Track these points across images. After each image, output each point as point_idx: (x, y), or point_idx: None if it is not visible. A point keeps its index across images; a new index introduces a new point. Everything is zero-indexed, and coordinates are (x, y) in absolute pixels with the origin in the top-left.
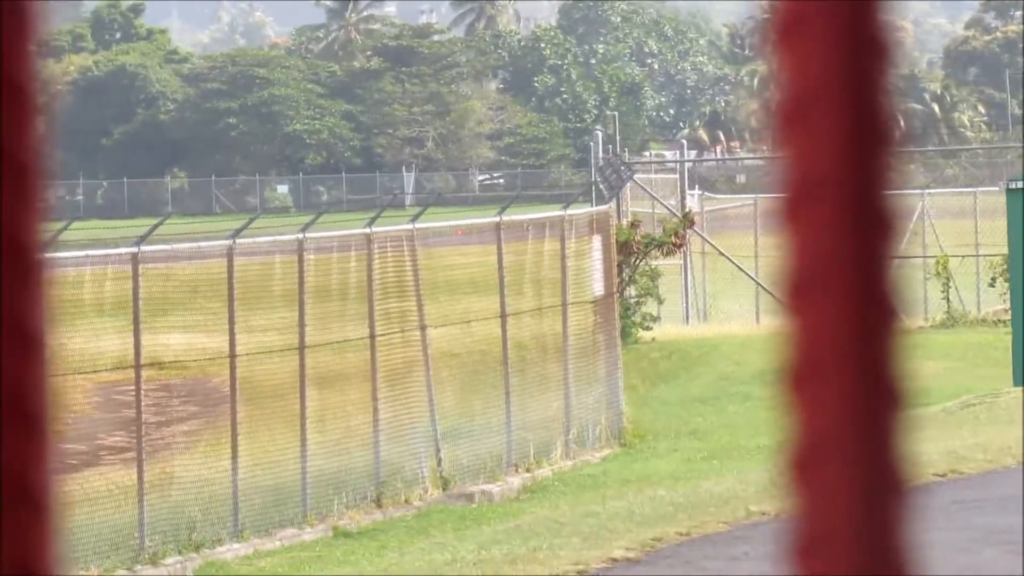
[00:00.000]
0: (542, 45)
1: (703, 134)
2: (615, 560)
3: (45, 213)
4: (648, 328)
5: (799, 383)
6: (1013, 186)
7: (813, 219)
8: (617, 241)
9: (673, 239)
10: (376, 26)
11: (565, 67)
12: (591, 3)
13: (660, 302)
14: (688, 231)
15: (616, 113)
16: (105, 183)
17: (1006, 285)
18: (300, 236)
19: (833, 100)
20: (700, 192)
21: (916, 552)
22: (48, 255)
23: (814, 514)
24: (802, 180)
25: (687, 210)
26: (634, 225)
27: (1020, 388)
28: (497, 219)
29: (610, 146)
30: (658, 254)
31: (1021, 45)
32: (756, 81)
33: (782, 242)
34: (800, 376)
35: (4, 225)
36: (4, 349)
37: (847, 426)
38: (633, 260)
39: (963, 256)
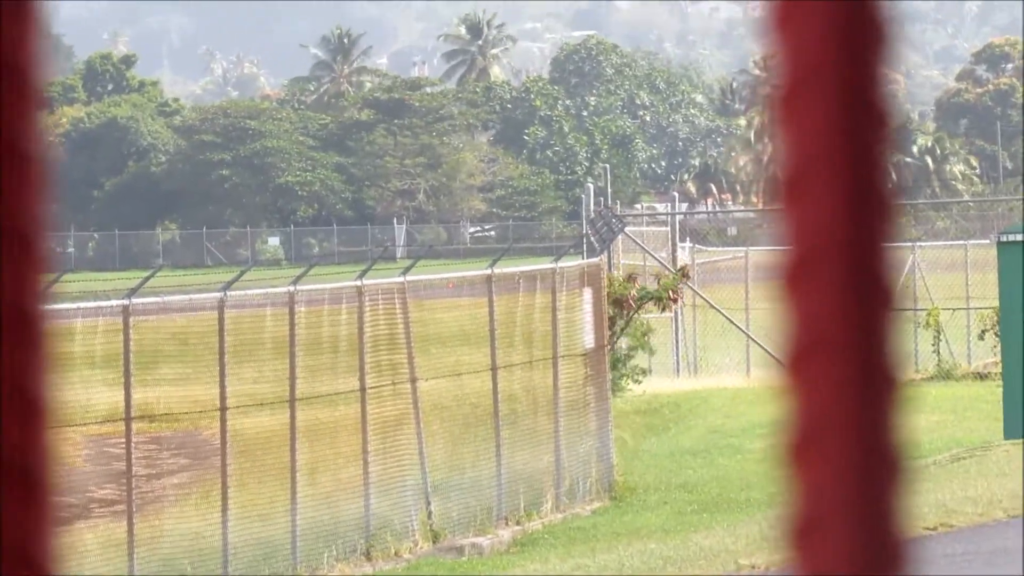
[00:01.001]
0: (533, 97)
1: (692, 187)
2: None
3: (45, 271)
4: (638, 381)
5: (800, 450)
6: (1004, 239)
7: (814, 287)
8: (612, 295)
9: (669, 294)
10: (368, 78)
11: (556, 119)
12: (583, 55)
13: (652, 354)
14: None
15: (607, 165)
16: (96, 235)
17: (996, 338)
18: (291, 288)
19: (834, 168)
20: (691, 244)
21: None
22: (48, 313)
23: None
24: (804, 248)
25: (683, 264)
26: (630, 279)
27: (1010, 441)
28: (488, 271)
29: (601, 198)
30: (653, 308)
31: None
32: (752, 133)
33: (782, 310)
34: (801, 443)
35: (5, 286)
36: (4, 413)
37: (850, 491)
38: (627, 313)
39: (954, 309)
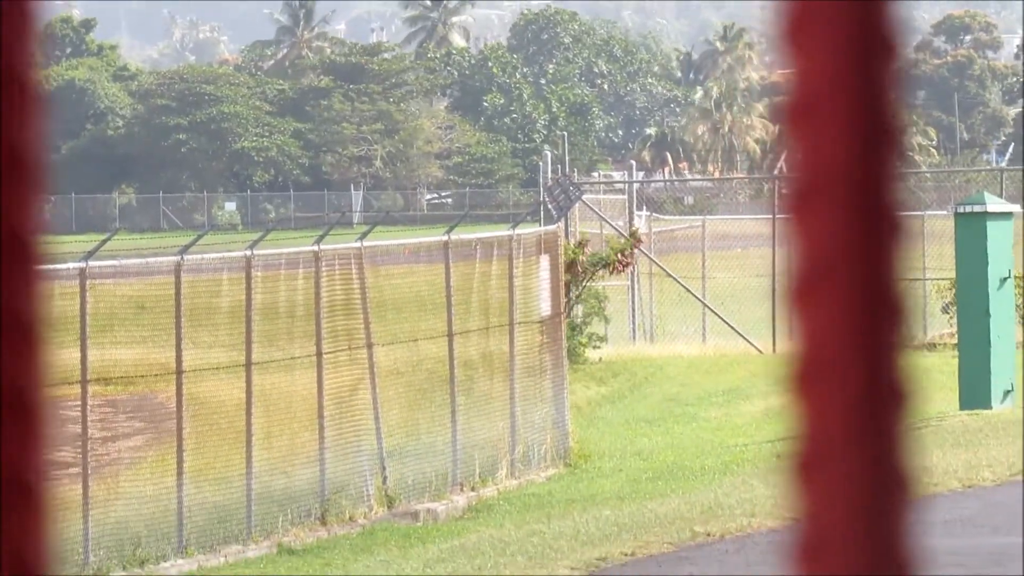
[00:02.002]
0: (491, 64)
1: (648, 156)
2: None
3: (41, 207)
4: (595, 348)
5: (808, 466)
6: (962, 210)
7: (824, 301)
8: (564, 260)
9: (619, 258)
10: (326, 44)
11: (514, 87)
12: (542, 23)
13: (607, 322)
14: (635, 251)
15: (565, 133)
16: (52, 198)
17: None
18: (248, 253)
19: (843, 183)
20: (648, 213)
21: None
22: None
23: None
24: (813, 260)
25: (634, 229)
26: (581, 244)
27: (966, 412)
28: (445, 238)
29: (559, 166)
30: (604, 273)
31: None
32: (710, 103)
33: (794, 326)
34: (808, 462)
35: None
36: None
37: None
38: (580, 280)
39: (911, 279)
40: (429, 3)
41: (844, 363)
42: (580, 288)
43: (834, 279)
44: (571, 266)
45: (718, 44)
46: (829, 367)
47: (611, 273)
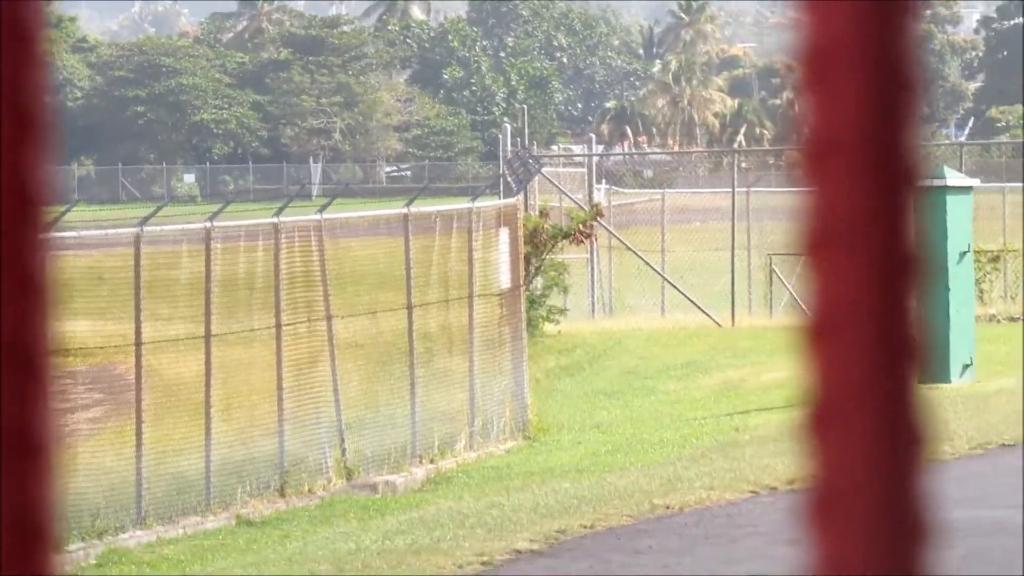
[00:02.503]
0: (450, 37)
1: (607, 129)
2: (519, 552)
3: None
4: (555, 321)
5: (820, 424)
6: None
7: (837, 262)
8: (525, 230)
9: (580, 228)
10: (286, 17)
11: (474, 60)
12: None
13: (566, 293)
14: (595, 224)
15: (524, 106)
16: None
17: None
18: (207, 225)
19: (857, 143)
20: (607, 186)
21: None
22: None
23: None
24: (827, 218)
25: (595, 202)
26: (543, 214)
27: (926, 386)
28: (404, 211)
29: (518, 139)
30: (565, 244)
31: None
32: (669, 76)
33: (810, 281)
34: (823, 419)
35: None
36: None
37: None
38: (541, 251)
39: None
40: None
41: (859, 322)
42: (541, 260)
43: (850, 239)
44: (533, 235)
45: (682, 16)
46: (844, 326)
47: (572, 243)
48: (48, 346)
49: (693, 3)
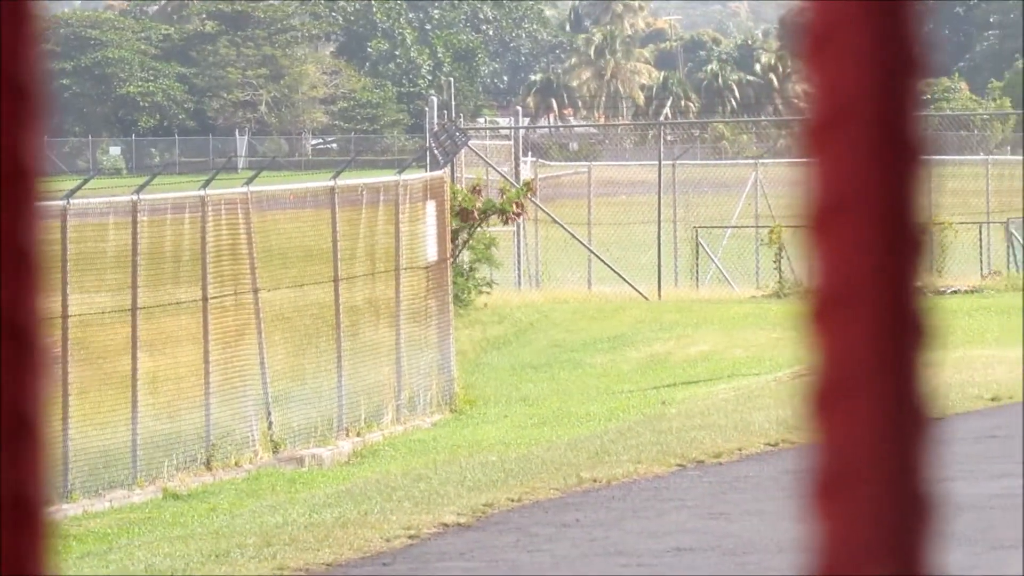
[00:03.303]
0: (375, 9)
1: (533, 102)
2: (446, 525)
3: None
4: (482, 292)
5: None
6: None
7: (842, 235)
8: (456, 207)
9: (514, 207)
10: None
11: (399, 32)
12: None
13: (495, 267)
14: (525, 199)
15: (451, 79)
16: None
17: None
18: (134, 198)
19: (864, 114)
20: (534, 159)
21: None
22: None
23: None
24: (833, 193)
25: (529, 179)
26: (475, 191)
27: None
28: (331, 184)
29: (444, 112)
30: (497, 221)
31: None
32: (592, 49)
33: (808, 259)
34: (828, 395)
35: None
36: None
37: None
38: (471, 226)
39: (796, 226)
40: None
41: (864, 297)
42: (471, 234)
43: (854, 213)
44: (463, 213)
45: None
46: (849, 301)
47: (504, 223)
48: (40, 322)
49: None
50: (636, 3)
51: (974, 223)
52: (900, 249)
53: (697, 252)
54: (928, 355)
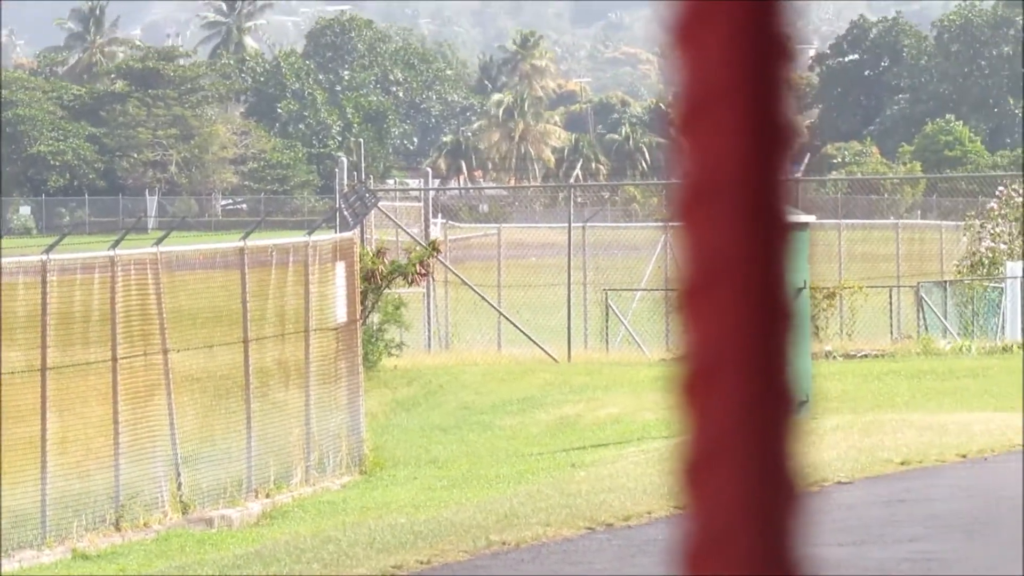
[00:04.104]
0: (285, 70)
1: (443, 164)
2: None
3: None
4: (392, 355)
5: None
6: None
7: (714, 307)
8: (362, 269)
9: (418, 268)
10: (121, 49)
11: (309, 93)
12: (338, 30)
13: (405, 329)
14: (432, 260)
15: (361, 140)
16: None
17: None
18: (44, 257)
19: (735, 187)
20: (444, 220)
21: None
22: None
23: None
24: (703, 266)
25: (433, 239)
26: (380, 253)
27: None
28: (241, 244)
29: (355, 173)
30: (403, 282)
31: None
32: (501, 111)
33: (680, 327)
34: (698, 467)
35: None
36: None
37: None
38: (378, 288)
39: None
40: (224, 8)
41: (734, 369)
42: (377, 296)
43: (725, 284)
44: (370, 275)
45: (516, 49)
46: (719, 373)
47: (409, 284)
48: None
49: (530, 37)
50: (543, 63)
51: (884, 287)
52: (768, 321)
53: (607, 314)
54: (796, 424)
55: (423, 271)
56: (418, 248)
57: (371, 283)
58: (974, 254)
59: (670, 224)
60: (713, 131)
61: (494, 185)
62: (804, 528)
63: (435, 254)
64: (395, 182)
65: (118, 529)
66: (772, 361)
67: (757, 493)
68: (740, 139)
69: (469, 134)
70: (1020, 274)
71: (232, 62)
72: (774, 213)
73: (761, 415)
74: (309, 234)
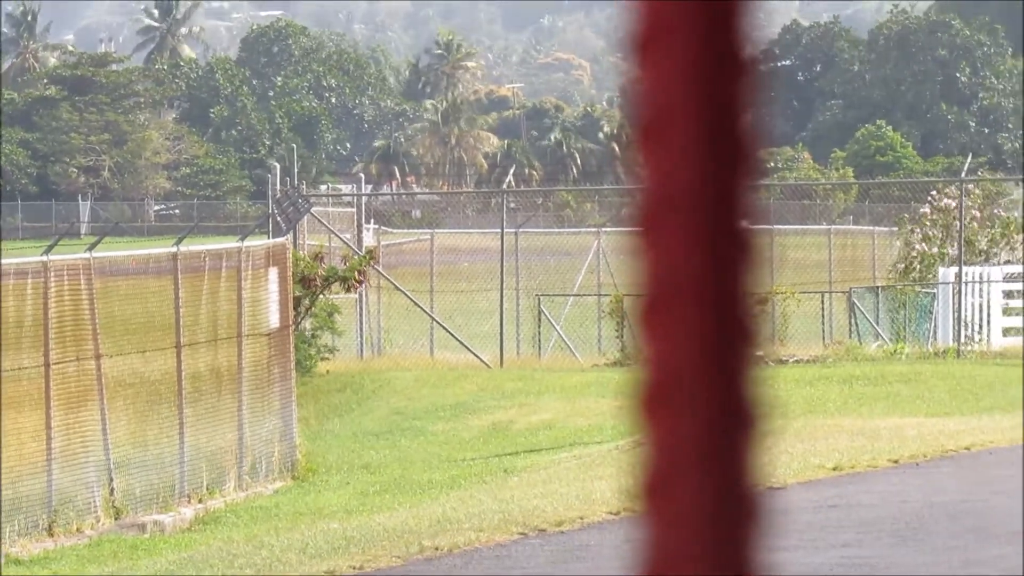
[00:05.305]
0: (218, 76)
1: (375, 169)
2: None
3: None
4: (326, 358)
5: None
6: None
7: (670, 323)
8: (298, 274)
9: (356, 275)
10: (53, 54)
11: (240, 99)
12: (272, 36)
13: (338, 335)
14: (368, 267)
15: (293, 146)
16: None
17: None
18: None
19: (694, 201)
20: (376, 226)
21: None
22: None
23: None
24: (663, 278)
25: (372, 247)
26: (317, 258)
27: None
28: (174, 250)
29: (287, 179)
30: (339, 288)
31: None
32: (438, 116)
33: (642, 345)
34: (655, 488)
35: None
36: None
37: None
38: (313, 293)
39: (637, 295)
40: (156, 14)
41: (694, 384)
42: (313, 301)
43: (684, 297)
44: (306, 280)
45: (442, 53)
46: (678, 385)
47: (346, 290)
48: None
49: (454, 37)
50: (470, 65)
51: (817, 292)
52: (728, 335)
53: (539, 320)
54: (758, 445)
55: (361, 278)
56: (355, 256)
57: (307, 288)
58: (906, 259)
59: (617, 232)
60: (670, 144)
61: (426, 191)
62: (763, 543)
63: (372, 262)
64: (328, 187)
65: (51, 534)
66: (732, 375)
67: (716, 513)
68: (697, 151)
69: (402, 139)
70: (952, 279)
71: (166, 67)
72: (732, 227)
73: (720, 431)
74: (242, 239)
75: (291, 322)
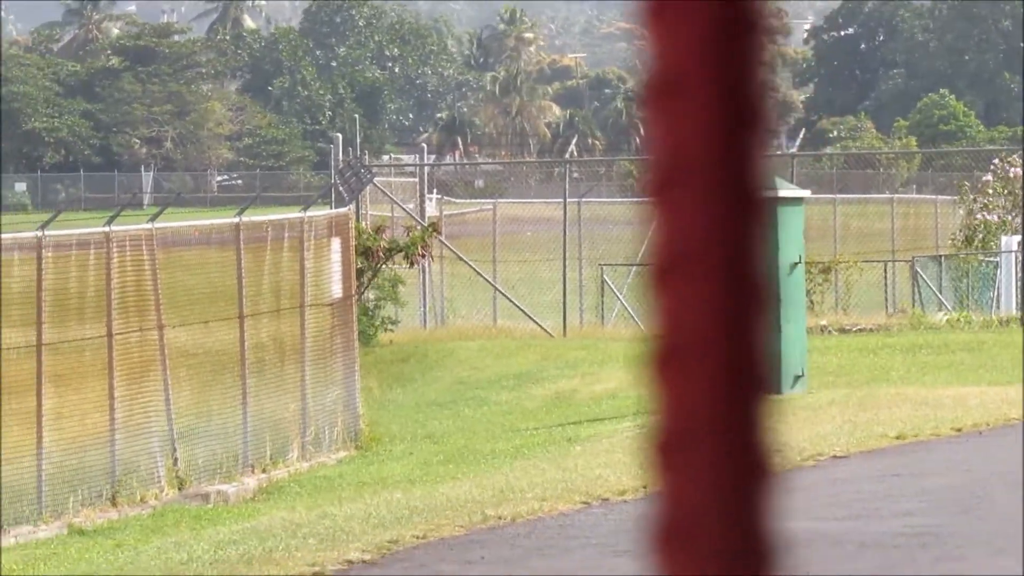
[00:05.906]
0: (281, 47)
1: (438, 139)
2: (351, 562)
3: None
4: (388, 330)
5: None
6: None
7: (684, 287)
8: (360, 246)
9: (419, 248)
10: (117, 24)
11: (303, 69)
12: (334, 7)
13: (401, 306)
14: (431, 239)
15: (356, 116)
16: None
17: None
18: (39, 234)
19: (708, 166)
20: (439, 196)
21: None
22: None
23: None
24: (677, 242)
25: (435, 219)
26: (379, 231)
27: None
28: (236, 220)
29: (350, 149)
30: (402, 261)
31: None
32: (497, 86)
33: (653, 307)
34: (670, 444)
35: None
36: None
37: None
38: (375, 265)
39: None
40: None
41: (706, 346)
42: (375, 274)
43: (698, 262)
44: (368, 253)
45: (502, 27)
46: (691, 350)
47: (410, 265)
48: None
49: (517, 9)
50: (529, 35)
51: (880, 261)
52: (741, 300)
53: (602, 289)
54: (768, 405)
55: (423, 252)
56: (418, 228)
57: (369, 260)
58: (969, 227)
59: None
60: (684, 109)
61: (489, 160)
62: (775, 506)
63: (435, 234)
64: (390, 158)
65: (114, 504)
66: (744, 341)
67: (728, 474)
68: (711, 116)
69: (464, 109)
70: (1015, 248)
71: (228, 38)
72: (746, 191)
73: (733, 396)
74: (305, 210)
75: (354, 292)
